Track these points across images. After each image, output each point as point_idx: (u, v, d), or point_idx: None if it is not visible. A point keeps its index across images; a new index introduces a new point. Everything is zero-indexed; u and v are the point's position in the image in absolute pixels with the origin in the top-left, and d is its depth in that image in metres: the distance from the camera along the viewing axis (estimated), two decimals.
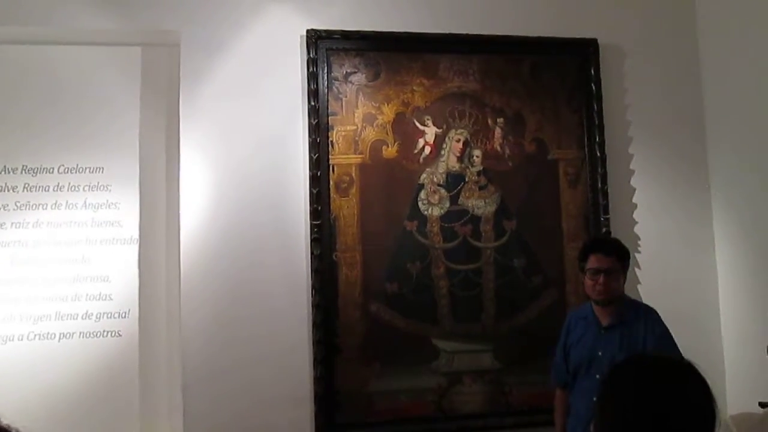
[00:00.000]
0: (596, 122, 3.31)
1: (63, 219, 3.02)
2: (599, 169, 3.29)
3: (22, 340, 2.91)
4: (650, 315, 2.66)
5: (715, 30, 3.41)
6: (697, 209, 3.40)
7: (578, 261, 2.77)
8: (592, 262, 2.64)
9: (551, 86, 3.35)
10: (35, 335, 2.93)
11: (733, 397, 3.02)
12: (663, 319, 2.63)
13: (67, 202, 3.02)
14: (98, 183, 3.06)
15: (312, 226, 3.02)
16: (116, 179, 3.07)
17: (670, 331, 2.59)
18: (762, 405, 2.46)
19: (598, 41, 3.36)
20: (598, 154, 3.29)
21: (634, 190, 3.37)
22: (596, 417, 1.21)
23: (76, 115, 3.07)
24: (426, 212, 3.18)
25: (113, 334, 2.97)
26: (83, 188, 3.04)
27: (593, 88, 3.34)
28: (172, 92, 3.10)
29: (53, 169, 3.04)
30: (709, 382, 1.17)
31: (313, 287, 3.00)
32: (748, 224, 3.18)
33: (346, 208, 3.10)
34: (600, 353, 2.60)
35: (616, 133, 3.36)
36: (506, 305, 3.19)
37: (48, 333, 2.93)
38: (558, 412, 2.82)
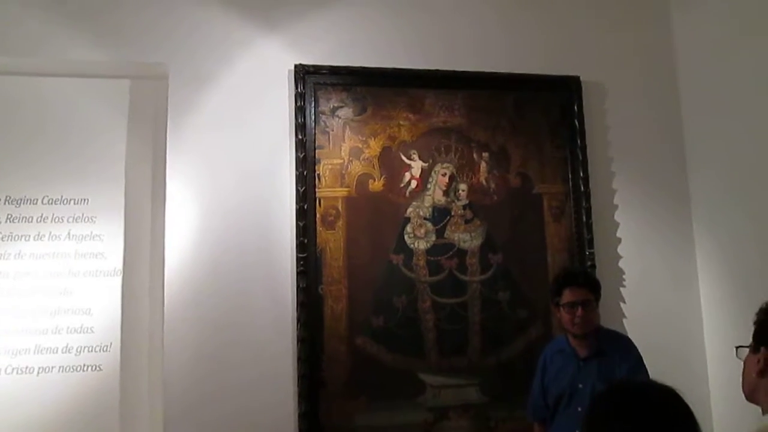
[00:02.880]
0: (580, 157, 3.36)
1: (46, 250, 2.97)
2: (583, 204, 3.33)
3: None
4: (624, 342, 2.68)
5: (694, 66, 3.50)
6: (680, 243, 3.44)
7: (551, 296, 2.78)
8: (567, 296, 2.65)
9: (535, 122, 3.40)
10: (13, 369, 2.85)
11: (720, 428, 3.02)
12: (648, 351, 2.66)
13: (50, 234, 2.98)
14: (83, 215, 3.02)
15: (298, 259, 3.01)
16: (101, 211, 3.04)
17: (655, 362, 2.61)
18: None
19: (581, 78, 3.43)
20: (582, 188, 3.34)
21: (618, 224, 3.41)
22: None
23: (61, 147, 3.06)
24: (412, 246, 3.19)
25: (94, 368, 2.91)
26: (67, 220, 3.01)
27: (576, 124, 3.40)
28: (160, 125, 3.10)
29: (37, 200, 3.00)
30: (692, 408, 1.18)
31: (298, 320, 2.98)
32: (731, 257, 3.22)
33: (332, 241, 3.10)
34: (581, 385, 2.60)
35: (599, 169, 3.41)
36: (492, 339, 3.19)
37: (27, 367, 2.86)
38: None
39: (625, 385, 1.30)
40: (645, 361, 2.62)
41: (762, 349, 1.42)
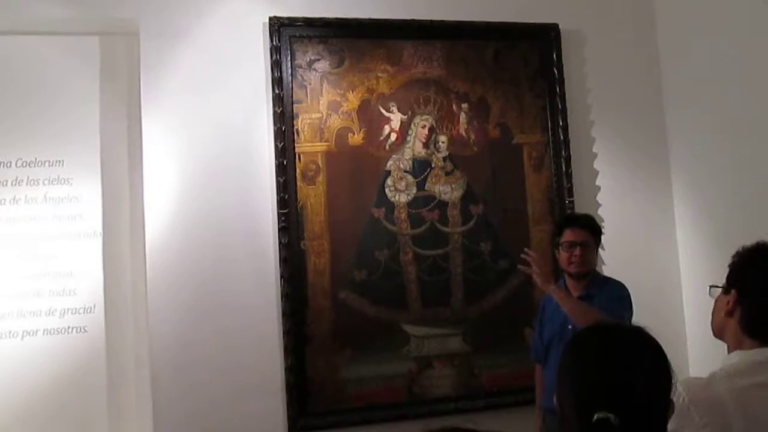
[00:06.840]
0: (559, 106, 3.35)
1: (22, 214, 2.94)
2: (563, 153, 3.33)
3: None
4: (616, 285, 2.73)
5: (672, 14, 3.47)
6: (658, 190, 3.47)
7: (552, 236, 2.85)
8: (568, 235, 2.71)
9: (514, 71, 3.37)
10: None
11: (695, 367, 3.12)
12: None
13: (26, 197, 2.94)
14: (58, 176, 2.98)
15: (279, 215, 3.00)
16: (77, 172, 3.00)
17: (634, 306, 2.64)
18: None
19: (560, 26, 3.39)
20: (562, 137, 3.34)
21: (597, 173, 3.43)
22: (556, 387, 1.23)
23: (32, 108, 2.99)
24: (393, 199, 3.19)
25: (78, 330, 2.92)
26: (43, 182, 2.97)
27: (555, 72, 3.37)
28: (133, 82, 3.04)
29: (11, 163, 2.95)
30: (663, 347, 1.21)
31: (281, 277, 2.98)
32: (708, 204, 3.25)
33: (313, 196, 3.09)
34: (570, 327, 2.63)
35: (578, 117, 3.40)
36: (474, 289, 3.22)
37: (10, 331, 2.86)
38: (537, 387, 2.88)
39: (599, 328, 1.33)
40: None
41: (732, 291, 1.46)
